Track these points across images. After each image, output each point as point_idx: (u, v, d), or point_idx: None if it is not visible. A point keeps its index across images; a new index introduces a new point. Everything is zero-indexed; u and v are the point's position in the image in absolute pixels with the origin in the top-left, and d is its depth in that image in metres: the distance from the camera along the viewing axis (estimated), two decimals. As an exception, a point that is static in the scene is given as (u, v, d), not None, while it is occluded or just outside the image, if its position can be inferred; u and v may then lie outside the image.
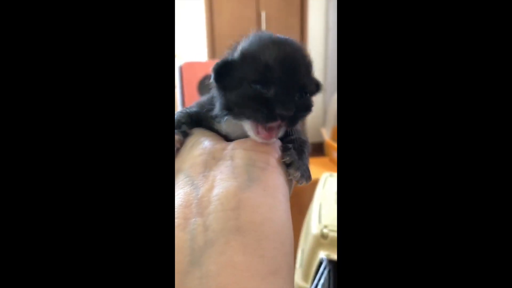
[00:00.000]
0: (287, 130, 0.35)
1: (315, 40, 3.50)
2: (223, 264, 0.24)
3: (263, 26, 3.37)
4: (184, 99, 2.99)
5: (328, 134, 3.31)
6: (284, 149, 0.34)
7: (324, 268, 0.95)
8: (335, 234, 1.04)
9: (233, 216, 0.26)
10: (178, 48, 2.90)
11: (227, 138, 0.36)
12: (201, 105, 0.39)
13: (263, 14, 3.35)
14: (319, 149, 3.53)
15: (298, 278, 1.11)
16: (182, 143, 0.35)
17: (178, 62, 2.82)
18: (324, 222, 1.10)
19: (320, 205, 1.22)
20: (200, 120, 0.38)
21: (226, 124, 0.36)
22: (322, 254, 1.00)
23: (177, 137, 0.35)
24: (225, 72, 0.33)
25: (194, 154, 0.33)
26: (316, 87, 0.38)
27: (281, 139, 0.35)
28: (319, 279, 0.91)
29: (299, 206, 2.10)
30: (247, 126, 0.33)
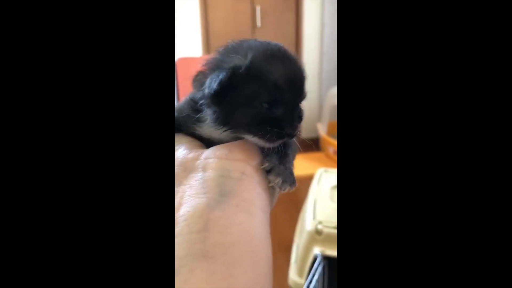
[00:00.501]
0: None
1: (311, 35, 3.49)
2: None
3: (258, 21, 3.34)
4: (179, 94, 2.98)
5: (324, 129, 3.31)
6: (265, 154, 0.32)
7: (319, 264, 0.96)
8: (329, 230, 1.04)
9: (199, 239, 0.24)
10: (172, 43, 2.88)
11: (210, 142, 0.34)
12: (179, 110, 0.36)
13: (258, 9, 3.32)
14: (315, 145, 3.54)
15: (293, 274, 1.11)
16: None
17: (172, 57, 2.79)
18: (318, 218, 1.10)
19: (315, 201, 1.22)
20: (179, 125, 0.36)
21: (209, 127, 0.34)
22: (317, 250, 1.00)
23: None
24: (228, 87, 0.30)
25: None
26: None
27: None
28: (314, 275, 0.92)
29: (295, 201, 2.11)
30: (249, 137, 0.33)
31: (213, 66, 0.33)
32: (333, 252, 1.00)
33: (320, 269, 0.95)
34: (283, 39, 3.49)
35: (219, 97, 0.31)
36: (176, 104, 0.38)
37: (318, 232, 1.05)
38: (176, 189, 0.28)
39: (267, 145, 0.32)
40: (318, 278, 0.93)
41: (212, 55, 0.35)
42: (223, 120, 0.32)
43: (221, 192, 0.27)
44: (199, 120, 0.34)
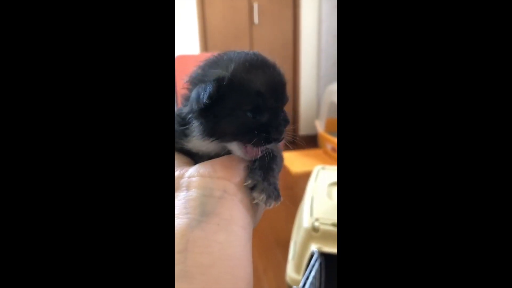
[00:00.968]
0: None
1: (308, 32, 3.48)
2: None
3: (256, 18, 3.34)
4: (177, 92, 2.97)
5: (322, 126, 3.32)
6: (249, 169, 0.33)
7: (315, 261, 0.96)
8: (326, 227, 1.05)
9: (180, 260, 0.24)
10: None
11: (199, 156, 0.35)
12: None
13: (256, 6, 3.31)
14: (313, 141, 3.54)
15: (290, 270, 1.12)
16: None
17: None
18: (315, 215, 1.11)
19: (312, 198, 1.22)
20: None
21: (196, 142, 0.35)
22: (314, 247, 1.01)
23: None
24: (213, 100, 0.31)
25: None
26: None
27: None
28: (310, 271, 0.93)
29: (292, 198, 2.12)
30: (235, 147, 0.34)
31: (196, 81, 0.34)
32: (330, 248, 1.01)
33: (317, 265, 0.96)
34: (280, 36, 3.48)
35: (205, 109, 0.31)
36: None
37: (315, 229, 1.05)
38: None
39: (249, 150, 0.33)
40: (315, 274, 0.94)
41: (193, 70, 0.36)
42: (210, 131, 0.33)
43: (202, 212, 0.27)
44: (186, 135, 0.35)
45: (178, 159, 0.35)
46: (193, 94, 0.32)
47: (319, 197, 1.22)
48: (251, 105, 0.31)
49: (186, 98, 0.35)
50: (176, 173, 0.31)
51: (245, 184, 0.32)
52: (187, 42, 3.18)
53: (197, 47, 3.24)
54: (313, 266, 0.95)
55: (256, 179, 0.32)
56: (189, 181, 0.30)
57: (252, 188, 0.32)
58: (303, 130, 3.69)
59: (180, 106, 0.38)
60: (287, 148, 0.44)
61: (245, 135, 0.32)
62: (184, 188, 0.30)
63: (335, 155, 2.91)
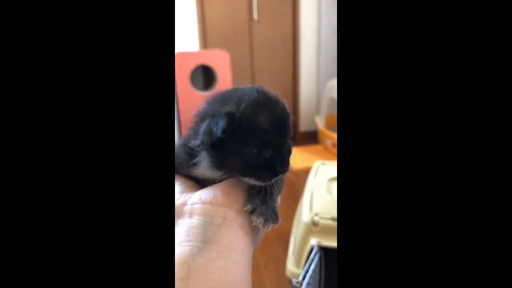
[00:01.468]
0: None
1: (308, 28, 3.47)
2: None
3: (255, 14, 3.33)
4: (177, 90, 2.98)
5: (322, 122, 3.32)
6: (250, 194, 0.34)
7: (315, 254, 0.97)
8: (325, 222, 1.06)
9: (182, 287, 0.25)
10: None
11: (205, 181, 0.37)
12: (175, 155, 0.38)
13: (255, 2, 3.30)
14: (313, 137, 3.55)
15: (290, 264, 1.13)
16: None
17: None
18: (315, 210, 1.12)
19: (312, 193, 1.23)
20: (175, 168, 0.38)
21: (203, 170, 0.36)
22: (313, 241, 1.02)
23: None
24: (226, 134, 0.32)
25: None
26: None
27: None
28: (310, 265, 0.94)
29: (293, 194, 2.13)
30: (247, 179, 0.35)
31: (205, 115, 0.35)
32: (329, 243, 1.02)
33: (316, 259, 0.97)
34: (280, 32, 3.47)
35: (215, 144, 0.33)
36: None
37: (314, 224, 1.06)
38: None
39: (263, 184, 0.35)
40: (315, 268, 0.95)
41: (201, 105, 0.38)
42: (218, 165, 0.34)
43: (203, 239, 0.29)
44: (194, 164, 0.37)
45: (183, 183, 0.36)
46: (204, 127, 0.33)
47: (319, 192, 1.23)
48: (256, 142, 0.33)
49: (195, 132, 0.36)
50: (179, 200, 0.33)
51: (245, 209, 0.33)
52: (187, 39, 3.18)
53: (196, 44, 3.23)
54: (312, 260, 0.96)
55: (255, 203, 0.33)
56: (192, 208, 0.31)
57: (251, 212, 0.34)
58: (303, 126, 3.70)
59: (185, 135, 0.40)
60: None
61: (252, 172, 0.34)
62: (187, 215, 0.31)
63: (335, 151, 2.92)
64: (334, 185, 1.29)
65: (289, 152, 0.36)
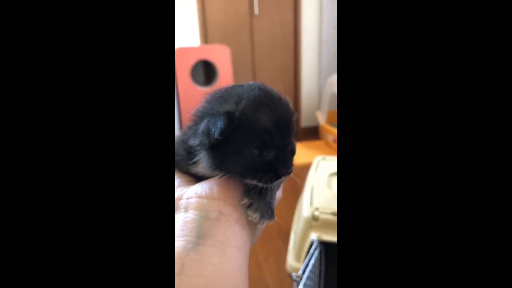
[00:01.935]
0: None
1: (309, 22, 3.45)
2: None
3: (256, 9, 3.31)
4: (177, 85, 2.97)
5: (323, 118, 3.32)
6: (247, 188, 0.33)
7: (315, 249, 0.98)
8: (326, 216, 1.06)
9: (176, 283, 0.25)
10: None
11: (204, 178, 0.36)
12: (175, 152, 0.38)
13: (256, -3, 3.28)
14: (314, 133, 3.54)
15: (290, 259, 1.14)
16: None
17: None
18: (315, 204, 1.12)
19: (312, 188, 1.23)
20: (175, 165, 0.38)
21: (203, 169, 0.35)
22: (313, 236, 1.03)
23: None
24: (224, 136, 0.31)
25: None
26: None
27: None
28: (310, 259, 0.94)
29: (293, 189, 2.14)
30: (249, 181, 0.34)
31: (203, 114, 0.34)
32: (329, 237, 1.02)
33: (316, 253, 0.97)
34: (281, 27, 3.45)
35: (212, 145, 0.32)
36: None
37: (315, 218, 1.07)
38: None
39: (264, 185, 0.33)
40: (315, 262, 0.96)
41: (200, 104, 0.36)
42: (218, 166, 0.33)
43: (198, 234, 0.28)
44: (193, 162, 0.35)
45: (180, 177, 0.36)
46: (203, 127, 0.32)
47: (319, 187, 1.23)
48: (257, 143, 0.31)
49: (194, 131, 0.34)
50: (176, 194, 0.33)
51: (242, 202, 0.32)
52: (187, 34, 3.17)
53: (197, 39, 3.22)
54: (312, 254, 0.97)
55: (252, 197, 0.33)
56: (187, 203, 0.31)
57: (248, 207, 0.33)
58: (304, 121, 3.69)
59: (184, 131, 0.38)
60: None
61: (253, 174, 0.32)
62: (182, 210, 0.31)
63: (337, 146, 2.91)
64: (334, 180, 1.29)
65: (292, 153, 0.34)
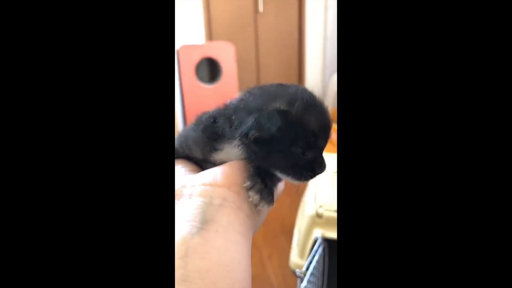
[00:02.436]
0: None
1: (314, 20, 3.44)
2: None
3: (260, 6, 3.30)
4: (182, 82, 2.98)
5: (327, 116, 3.31)
6: (250, 173, 0.35)
7: (319, 246, 0.98)
8: (329, 213, 1.06)
9: (181, 265, 0.26)
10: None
11: (209, 165, 0.38)
12: (195, 140, 0.39)
13: (260, -6, 3.27)
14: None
15: (294, 256, 1.14)
16: None
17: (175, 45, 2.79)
18: (319, 202, 1.12)
19: (316, 186, 1.24)
20: (192, 150, 0.39)
21: (226, 153, 0.37)
22: (317, 233, 1.03)
23: None
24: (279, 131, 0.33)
25: None
26: None
27: None
28: (313, 256, 0.95)
29: (297, 187, 2.14)
30: (280, 174, 0.36)
31: (250, 108, 0.35)
32: (333, 234, 1.02)
33: (320, 250, 0.98)
34: (285, 24, 3.44)
35: (258, 139, 0.33)
36: (189, 130, 0.41)
37: (318, 215, 1.07)
38: None
39: (297, 182, 0.36)
40: (319, 259, 0.96)
41: (245, 94, 0.38)
42: (259, 160, 0.35)
43: (202, 220, 0.29)
44: (215, 148, 0.38)
45: (184, 166, 0.37)
46: (252, 120, 0.33)
47: (323, 185, 1.23)
48: (304, 143, 0.34)
49: (227, 117, 0.36)
50: (181, 182, 0.34)
51: (244, 185, 0.33)
52: (192, 31, 3.17)
53: (202, 36, 3.22)
54: (316, 251, 0.97)
55: (254, 180, 0.34)
56: (192, 190, 0.32)
57: (250, 189, 0.34)
58: (308, 119, 3.68)
59: (207, 117, 0.39)
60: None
61: (293, 171, 0.35)
62: (187, 197, 0.32)
63: (340, 144, 2.90)
64: (338, 178, 1.29)
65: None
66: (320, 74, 3.61)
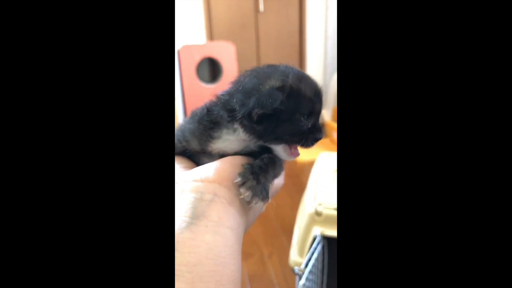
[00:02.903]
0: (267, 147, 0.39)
1: (314, 19, 3.44)
2: None
3: (261, 6, 3.30)
4: (183, 82, 2.99)
5: (328, 115, 3.31)
6: (243, 169, 0.35)
7: (318, 243, 0.99)
8: (329, 212, 1.07)
9: None
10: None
11: (211, 156, 0.39)
12: (191, 131, 0.40)
13: (261, -7, 3.27)
14: (319, 130, 3.53)
15: (294, 254, 1.15)
16: None
17: (175, 45, 2.80)
18: (319, 200, 1.13)
19: (316, 184, 1.24)
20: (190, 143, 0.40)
21: (224, 143, 0.38)
22: (316, 231, 1.04)
23: None
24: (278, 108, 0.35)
25: None
26: None
27: (256, 156, 0.38)
28: (312, 253, 0.95)
29: (297, 186, 2.14)
30: (281, 148, 0.38)
31: (248, 89, 0.36)
32: (332, 232, 1.03)
33: (319, 248, 0.99)
34: (286, 24, 3.45)
35: (263, 116, 0.35)
36: (185, 123, 0.42)
37: (318, 213, 1.08)
38: None
39: (293, 151, 0.38)
40: (318, 257, 0.97)
41: (239, 79, 0.39)
42: (264, 135, 0.36)
43: (193, 215, 0.30)
44: (212, 137, 0.38)
45: (179, 164, 0.38)
46: (255, 100, 0.35)
47: (323, 183, 1.24)
48: (305, 110, 0.37)
49: (222, 103, 0.38)
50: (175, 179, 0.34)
51: (235, 181, 0.34)
52: (193, 32, 3.18)
53: (203, 36, 3.23)
54: (315, 249, 0.98)
55: (246, 177, 0.34)
56: (184, 186, 0.33)
57: (241, 185, 0.34)
58: (309, 118, 3.69)
59: (203, 107, 0.40)
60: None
61: (298, 138, 0.37)
62: (179, 192, 0.32)
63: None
64: (338, 177, 1.30)
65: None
66: (321, 74, 3.62)
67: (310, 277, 0.90)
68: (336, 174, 1.30)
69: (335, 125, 3.12)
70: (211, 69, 3.33)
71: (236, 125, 0.37)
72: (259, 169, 0.35)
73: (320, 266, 0.99)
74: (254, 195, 0.33)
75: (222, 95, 0.39)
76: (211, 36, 3.28)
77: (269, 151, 0.39)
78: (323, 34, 3.50)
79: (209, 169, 0.34)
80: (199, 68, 3.08)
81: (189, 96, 2.98)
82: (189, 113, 0.43)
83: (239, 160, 0.36)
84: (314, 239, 1.03)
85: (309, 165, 1.48)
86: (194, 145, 0.40)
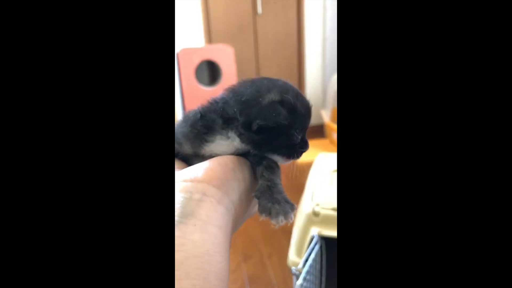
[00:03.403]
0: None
1: (313, 20, 3.45)
2: None
3: (259, 8, 3.32)
4: (182, 85, 3.00)
5: (327, 116, 3.31)
6: (256, 194, 0.36)
7: (315, 244, 0.99)
8: (326, 212, 1.07)
9: None
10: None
11: (204, 158, 0.39)
12: (185, 135, 0.41)
13: (259, -4, 3.29)
14: (319, 131, 3.54)
15: (292, 254, 1.15)
16: None
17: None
18: (316, 200, 1.13)
19: (314, 184, 1.24)
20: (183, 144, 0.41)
21: (217, 145, 0.39)
22: (314, 231, 1.03)
23: None
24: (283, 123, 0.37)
25: None
26: None
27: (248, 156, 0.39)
28: (310, 253, 0.95)
29: (297, 187, 2.14)
30: (276, 156, 0.40)
31: (247, 101, 0.38)
32: (330, 232, 1.03)
33: (317, 248, 0.98)
34: (284, 25, 3.46)
35: (260, 128, 0.37)
36: (177, 127, 0.43)
37: (315, 214, 1.08)
38: None
39: (293, 160, 0.41)
40: (315, 257, 0.97)
41: (237, 89, 0.40)
42: (261, 146, 0.38)
43: (181, 214, 0.30)
44: (206, 140, 0.40)
45: None
46: (256, 111, 0.37)
47: (321, 183, 1.24)
48: (299, 126, 0.39)
49: (217, 110, 0.39)
50: None
51: (261, 219, 0.34)
52: (192, 35, 3.19)
53: (201, 39, 3.25)
54: (312, 249, 0.97)
55: (267, 208, 0.34)
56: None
57: (268, 214, 0.34)
58: (309, 120, 3.69)
59: (196, 111, 0.41)
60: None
61: (290, 150, 0.40)
62: None
63: (341, 144, 2.90)
64: (336, 177, 1.29)
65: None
66: (320, 75, 3.62)
67: (308, 277, 0.90)
68: (334, 175, 1.30)
69: (334, 125, 3.12)
70: (210, 72, 3.34)
71: (231, 133, 0.38)
72: (268, 189, 0.36)
73: (317, 266, 0.99)
74: (285, 214, 0.34)
75: (217, 101, 0.40)
76: (209, 39, 3.30)
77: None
78: (321, 36, 3.51)
79: (198, 169, 0.35)
80: (198, 71, 3.09)
81: (188, 98, 2.99)
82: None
83: (228, 160, 0.37)
84: (311, 240, 1.02)
85: (308, 166, 1.48)
86: (187, 148, 0.41)
